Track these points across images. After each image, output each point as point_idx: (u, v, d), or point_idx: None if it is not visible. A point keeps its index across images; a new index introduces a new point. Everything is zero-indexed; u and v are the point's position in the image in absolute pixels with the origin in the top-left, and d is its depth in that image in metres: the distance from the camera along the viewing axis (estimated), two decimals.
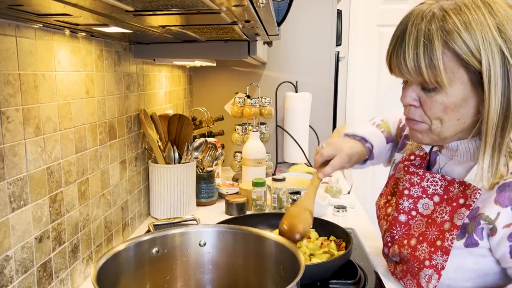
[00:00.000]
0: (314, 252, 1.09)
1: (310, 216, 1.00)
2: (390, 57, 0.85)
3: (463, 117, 0.82)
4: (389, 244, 1.00)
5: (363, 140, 1.11)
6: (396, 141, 1.17)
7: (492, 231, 0.81)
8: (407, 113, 0.89)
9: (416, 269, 0.90)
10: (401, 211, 0.97)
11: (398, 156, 1.10)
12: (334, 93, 2.17)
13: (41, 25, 0.82)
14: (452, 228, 0.85)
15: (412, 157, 1.00)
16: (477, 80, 0.78)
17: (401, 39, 0.81)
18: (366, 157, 1.13)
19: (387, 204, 1.05)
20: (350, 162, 1.07)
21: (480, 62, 0.76)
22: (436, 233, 0.88)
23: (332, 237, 1.16)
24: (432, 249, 0.87)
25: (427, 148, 0.99)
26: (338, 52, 2.21)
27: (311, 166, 2.11)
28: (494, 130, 0.79)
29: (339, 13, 2.12)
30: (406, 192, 0.96)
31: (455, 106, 0.81)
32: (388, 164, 1.19)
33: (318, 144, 2.16)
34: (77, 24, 0.83)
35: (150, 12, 0.68)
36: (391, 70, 0.86)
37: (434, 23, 0.78)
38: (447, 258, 0.85)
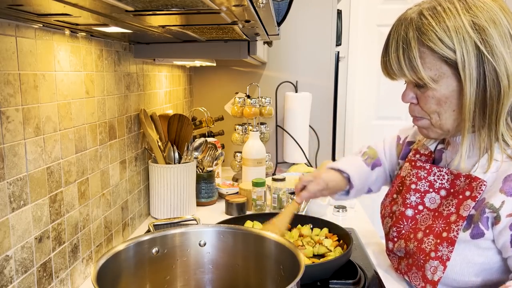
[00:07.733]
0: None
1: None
2: (380, 61, 0.94)
3: (458, 108, 0.87)
4: (395, 239, 1.01)
5: (339, 171, 1.14)
6: (392, 159, 1.18)
7: (496, 220, 0.83)
8: (409, 110, 0.95)
9: (422, 261, 0.91)
10: (408, 205, 0.99)
11: (403, 162, 1.12)
12: (334, 93, 2.17)
13: (41, 25, 0.82)
14: (458, 220, 0.87)
15: (418, 156, 1.04)
16: (459, 72, 0.83)
17: (386, 45, 0.91)
18: (346, 187, 1.14)
19: (392, 203, 1.07)
20: (328, 189, 1.10)
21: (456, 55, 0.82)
22: (442, 225, 0.90)
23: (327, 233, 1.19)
24: (438, 241, 0.89)
25: (432, 147, 1.02)
26: (338, 52, 2.21)
27: (311, 166, 2.11)
28: (471, 116, 0.84)
29: (339, 13, 2.11)
30: (413, 186, 0.99)
31: (447, 98, 0.87)
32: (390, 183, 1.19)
33: (318, 145, 2.16)
34: (77, 24, 0.83)
35: (150, 12, 0.68)
36: (384, 73, 0.94)
37: (411, 26, 0.86)
38: (452, 249, 0.87)
